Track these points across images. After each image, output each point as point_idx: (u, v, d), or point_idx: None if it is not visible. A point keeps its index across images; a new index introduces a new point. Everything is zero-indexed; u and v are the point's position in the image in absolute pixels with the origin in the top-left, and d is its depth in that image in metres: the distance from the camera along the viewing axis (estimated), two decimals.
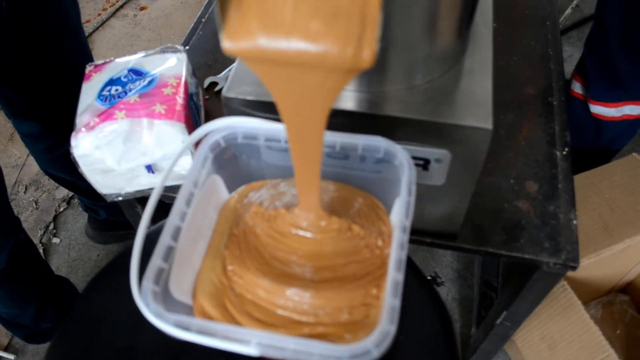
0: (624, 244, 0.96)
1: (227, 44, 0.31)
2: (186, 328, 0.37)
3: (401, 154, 0.45)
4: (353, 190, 0.53)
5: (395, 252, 0.40)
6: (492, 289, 1.24)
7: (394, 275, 0.38)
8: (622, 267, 1.11)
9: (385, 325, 0.36)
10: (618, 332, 1.16)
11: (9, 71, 0.94)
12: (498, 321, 0.91)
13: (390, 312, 0.36)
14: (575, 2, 2.00)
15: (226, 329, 0.37)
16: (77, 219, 1.57)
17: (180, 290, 0.44)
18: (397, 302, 0.37)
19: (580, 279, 1.05)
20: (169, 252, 0.42)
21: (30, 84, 0.99)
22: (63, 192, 1.63)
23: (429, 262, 1.40)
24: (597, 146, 1.18)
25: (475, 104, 0.55)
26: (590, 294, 1.18)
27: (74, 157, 0.70)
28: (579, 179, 1.06)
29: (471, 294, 1.32)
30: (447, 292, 1.34)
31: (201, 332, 0.37)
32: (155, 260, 0.41)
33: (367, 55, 0.29)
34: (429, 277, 1.37)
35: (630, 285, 1.21)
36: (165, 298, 0.41)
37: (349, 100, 0.56)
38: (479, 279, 1.27)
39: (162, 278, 0.41)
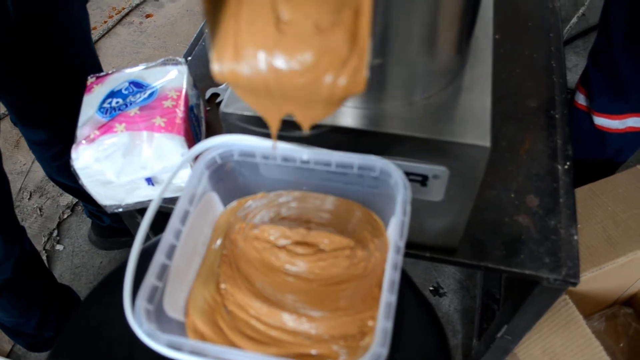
0: (627, 258, 0.95)
1: (216, 68, 0.31)
2: (178, 348, 0.37)
3: (396, 174, 0.45)
4: (351, 204, 0.53)
5: (389, 273, 0.39)
6: (495, 301, 1.23)
7: (387, 297, 0.38)
8: (625, 280, 1.10)
9: (376, 349, 0.36)
10: (621, 345, 1.15)
11: (18, 78, 0.95)
12: (499, 335, 0.90)
13: (382, 335, 0.36)
14: (581, 11, 2.00)
15: (218, 350, 0.37)
16: (81, 226, 1.57)
17: (174, 307, 0.44)
18: (389, 325, 0.37)
19: (583, 292, 1.04)
20: (163, 271, 0.42)
21: (40, 91, 1.00)
22: (67, 199, 1.64)
23: (431, 273, 1.39)
24: (601, 158, 1.17)
25: (474, 121, 0.54)
26: (593, 307, 1.17)
27: (74, 169, 0.70)
28: (583, 191, 1.05)
29: (473, 305, 1.32)
30: (450, 303, 1.33)
31: (193, 352, 0.37)
32: (150, 279, 0.41)
33: (359, 84, 0.29)
34: (431, 288, 1.37)
35: (633, 298, 1.20)
36: (159, 316, 0.41)
37: (347, 117, 0.56)
38: (481, 290, 1.26)
39: (156, 296, 0.41)
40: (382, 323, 0.37)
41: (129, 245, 1.46)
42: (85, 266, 1.49)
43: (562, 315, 0.92)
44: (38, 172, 1.70)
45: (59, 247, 1.53)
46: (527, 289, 0.75)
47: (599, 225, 1.00)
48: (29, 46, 0.90)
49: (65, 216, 1.60)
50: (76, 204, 1.63)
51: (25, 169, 1.72)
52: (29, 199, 1.64)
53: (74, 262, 1.50)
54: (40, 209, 1.61)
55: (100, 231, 1.45)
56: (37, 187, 1.68)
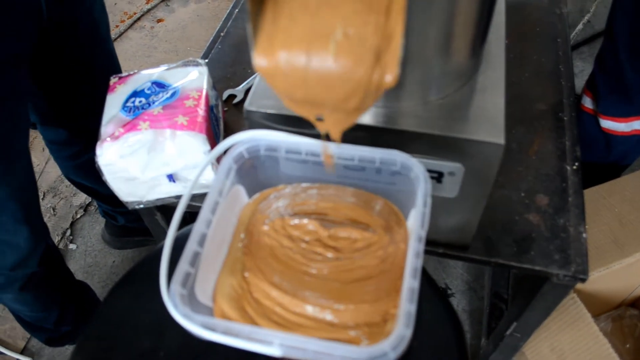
0: (633, 258, 0.97)
1: (260, 62, 0.33)
2: (212, 329, 0.39)
3: (417, 167, 0.47)
4: (372, 195, 0.55)
5: (411, 260, 0.42)
6: (503, 301, 1.25)
7: (410, 282, 0.40)
8: (632, 281, 1.12)
9: (401, 329, 0.38)
10: (628, 346, 1.17)
11: (44, 80, 0.98)
12: (508, 332, 0.92)
13: (406, 317, 0.38)
14: (586, 17, 2.02)
15: (250, 330, 0.39)
16: (94, 226, 1.60)
17: (204, 293, 0.46)
18: (412, 308, 0.39)
19: (591, 292, 1.05)
20: (196, 258, 0.44)
21: (62, 92, 1.02)
22: (80, 199, 1.66)
23: (439, 274, 1.41)
24: (607, 161, 1.19)
25: (488, 120, 0.57)
26: (600, 308, 1.18)
27: (98, 166, 0.72)
28: (590, 193, 1.07)
29: (481, 306, 1.33)
30: (457, 304, 1.35)
31: (226, 332, 0.39)
32: (183, 265, 0.43)
33: (390, 77, 0.31)
34: None
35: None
36: (191, 301, 0.43)
37: (366, 115, 0.58)
38: (490, 291, 1.28)
39: (189, 282, 0.43)
40: (406, 307, 0.39)
41: (142, 245, 1.49)
42: (97, 265, 1.51)
43: (571, 314, 0.94)
44: (51, 173, 1.73)
45: (72, 246, 1.55)
46: (536, 285, 0.77)
47: (606, 227, 1.02)
48: (55, 47, 0.93)
49: (79, 216, 1.63)
50: (89, 204, 1.65)
51: (39, 169, 1.75)
52: (42, 199, 1.67)
53: (86, 261, 1.52)
54: (54, 209, 1.64)
55: (114, 230, 1.47)
56: (50, 188, 1.70)
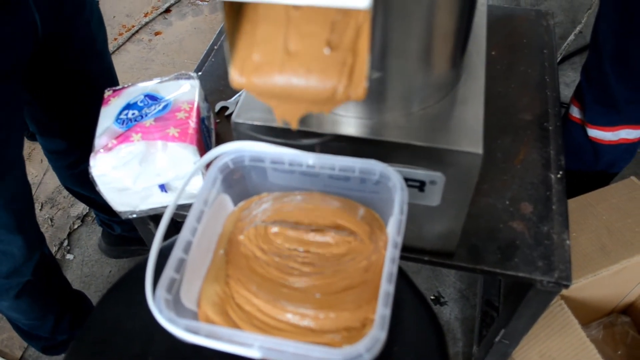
0: (620, 265, 0.98)
1: (237, 79, 0.35)
2: (195, 332, 0.41)
3: (394, 176, 0.49)
4: (354, 203, 0.56)
5: (387, 266, 0.43)
6: (494, 309, 1.26)
7: (385, 287, 0.42)
8: (621, 288, 1.13)
9: (376, 332, 0.39)
10: (619, 353, 1.18)
11: (41, 91, 1.00)
12: (497, 339, 0.93)
13: (381, 320, 0.40)
14: (578, 28, 2.05)
15: (231, 333, 0.40)
16: (91, 236, 1.62)
17: (189, 298, 0.48)
18: (387, 311, 0.41)
19: (580, 299, 1.07)
20: (181, 264, 0.46)
21: (60, 103, 1.05)
22: (77, 210, 1.68)
23: (432, 282, 1.42)
24: (595, 169, 1.21)
25: (467, 130, 0.59)
26: (591, 315, 1.19)
27: (92, 176, 0.74)
28: (577, 201, 1.09)
29: (474, 314, 1.34)
30: (450, 312, 1.36)
31: (209, 336, 0.41)
32: (168, 272, 0.45)
33: (360, 92, 0.33)
34: (432, 297, 1.40)
35: (631, 306, 1.23)
36: (176, 306, 0.45)
37: (350, 127, 0.60)
38: (481, 299, 1.29)
39: (174, 287, 0.45)
40: (381, 310, 0.41)
41: (137, 254, 1.50)
42: (94, 275, 1.52)
43: (558, 320, 0.95)
44: (49, 184, 1.75)
45: (69, 256, 1.57)
46: (522, 292, 0.79)
47: (594, 234, 1.03)
48: (52, 61, 0.95)
49: (76, 226, 1.64)
50: (86, 215, 1.67)
51: (37, 180, 1.77)
52: (40, 209, 1.69)
53: (83, 271, 1.53)
54: (52, 220, 1.66)
55: (110, 240, 1.49)
56: (48, 199, 1.72)
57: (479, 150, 0.57)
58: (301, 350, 0.39)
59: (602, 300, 1.15)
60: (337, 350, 0.38)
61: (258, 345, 0.39)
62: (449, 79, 0.63)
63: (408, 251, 0.74)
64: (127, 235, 1.45)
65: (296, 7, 0.34)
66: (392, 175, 0.49)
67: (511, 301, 0.86)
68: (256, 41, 0.34)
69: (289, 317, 0.46)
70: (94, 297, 1.44)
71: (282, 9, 0.33)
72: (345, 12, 0.36)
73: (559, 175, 0.82)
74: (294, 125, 0.44)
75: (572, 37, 2.02)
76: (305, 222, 0.52)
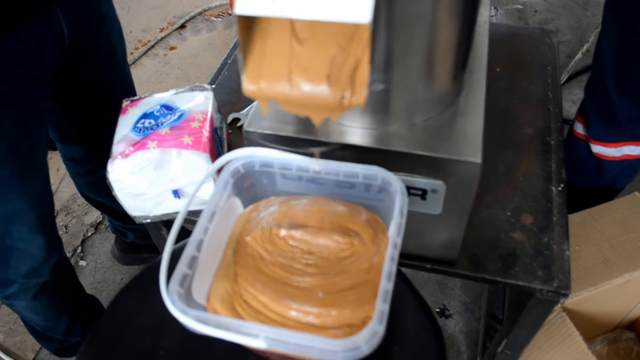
0: (623, 278, 1.00)
1: (248, 87, 0.39)
2: (205, 322, 0.44)
3: (395, 182, 0.51)
4: (357, 207, 0.59)
5: (387, 265, 0.46)
6: (498, 321, 1.27)
7: (384, 284, 0.45)
8: (625, 303, 1.14)
9: (374, 325, 0.42)
10: None
11: (64, 101, 1.05)
12: (499, 349, 0.95)
13: (379, 315, 0.42)
14: (585, 47, 2.08)
15: (238, 324, 0.43)
16: (104, 244, 1.65)
17: (200, 293, 0.50)
18: (386, 307, 0.43)
19: (583, 312, 1.08)
20: (193, 261, 0.49)
21: (79, 111, 1.09)
22: (91, 218, 1.72)
23: (437, 295, 1.44)
24: (599, 185, 1.23)
25: (467, 141, 0.61)
26: (595, 330, 1.20)
27: (109, 182, 0.78)
28: (581, 216, 1.10)
29: (478, 327, 1.35)
30: (455, 325, 1.37)
31: (217, 326, 0.43)
32: (181, 267, 0.48)
33: (360, 100, 0.36)
34: (437, 310, 1.41)
35: (636, 322, 1.23)
36: (188, 299, 0.48)
37: (356, 136, 0.64)
38: (485, 311, 1.30)
39: (186, 282, 0.48)
40: (380, 306, 0.43)
41: (149, 261, 1.53)
42: (106, 282, 1.56)
43: (560, 332, 0.96)
44: (65, 192, 1.80)
45: (82, 263, 1.61)
46: (523, 302, 0.80)
47: (596, 248, 1.05)
48: (75, 71, 1.00)
49: (89, 234, 1.68)
50: (100, 223, 1.71)
51: (53, 189, 1.82)
52: (55, 216, 1.73)
53: (96, 277, 1.57)
54: (66, 227, 1.70)
55: (123, 247, 1.53)
56: (63, 206, 1.77)
57: (478, 159, 0.59)
58: (304, 341, 0.41)
59: (606, 315, 1.16)
60: (338, 341, 0.41)
61: (264, 335, 0.42)
62: (451, 92, 0.66)
63: (411, 259, 0.76)
64: (140, 242, 1.49)
65: (300, 21, 0.37)
66: (393, 180, 0.52)
67: (513, 311, 0.87)
68: (266, 53, 0.37)
69: (293, 314, 0.49)
70: (106, 303, 1.47)
71: (288, 24, 0.37)
72: (350, 29, 0.39)
73: (559, 188, 0.85)
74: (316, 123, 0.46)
75: (579, 55, 2.05)
76: (310, 224, 0.55)
